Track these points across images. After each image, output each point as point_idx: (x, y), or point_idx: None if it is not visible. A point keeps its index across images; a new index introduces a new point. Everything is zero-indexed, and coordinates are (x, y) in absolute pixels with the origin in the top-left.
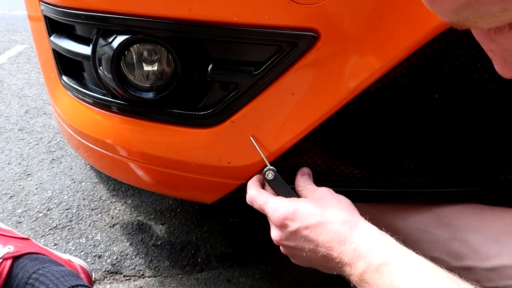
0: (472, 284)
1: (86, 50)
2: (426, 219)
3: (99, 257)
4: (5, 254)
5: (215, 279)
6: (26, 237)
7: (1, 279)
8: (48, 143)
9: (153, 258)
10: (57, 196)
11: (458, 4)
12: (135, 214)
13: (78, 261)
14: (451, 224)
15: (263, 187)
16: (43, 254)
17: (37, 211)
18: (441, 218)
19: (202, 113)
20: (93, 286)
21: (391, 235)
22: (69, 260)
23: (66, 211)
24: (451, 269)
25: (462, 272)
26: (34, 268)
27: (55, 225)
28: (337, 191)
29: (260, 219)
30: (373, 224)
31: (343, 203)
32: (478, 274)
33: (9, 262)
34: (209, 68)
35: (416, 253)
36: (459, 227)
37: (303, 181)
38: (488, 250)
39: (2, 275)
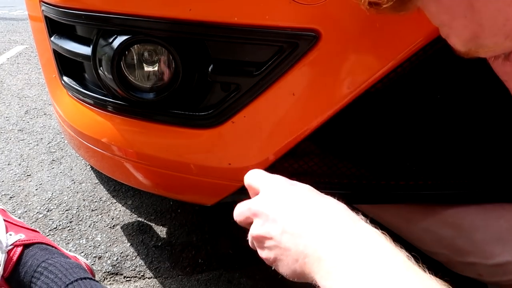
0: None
1: (86, 50)
2: (430, 218)
3: (99, 258)
4: (16, 241)
5: (215, 280)
6: (36, 229)
7: (10, 265)
8: (48, 143)
9: (153, 259)
10: (57, 197)
11: (464, 39)
12: (136, 215)
13: (82, 259)
14: (455, 223)
15: None
16: (52, 246)
17: (37, 212)
18: (446, 218)
19: (202, 113)
20: None
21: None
22: (75, 256)
23: (66, 212)
24: (453, 263)
25: (465, 266)
26: (44, 258)
27: (55, 226)
28: (339, 194)
29: None
30: (375, 224)
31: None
32: (481, 269)
33: (19, 249)
34: (209, 69)
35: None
36: (464, 226)
37: None
38: (492, 249)
39: (12, 262)
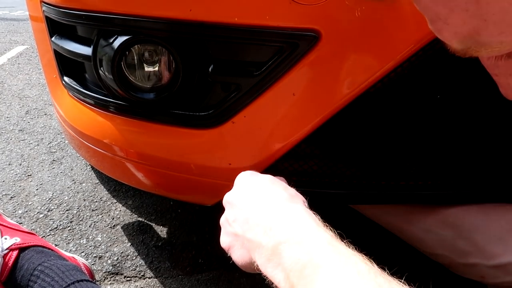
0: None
1: (87, 51)
2: (430, 219)
3: (100, 258)
4: (11, 245)
5: (216, 280)
6: (32, 232)
7: (6, 270)
8: (48, 144)
9: (153, 259)
10: (58, 197)
11: (461, 36)
12: (136, 215)
13: (81, 260)
14: (455, 224)
15: None
16: (49, 248)
17: (38, 212)
18: (446, 218)
19: (203, 114)
20: None
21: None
22: (73, 257)
23: (67, 212)
24: (454, 265)
25: (467, 268)
26: (40, 261)
27: (55, 226)
28: (339, 193)
29: None
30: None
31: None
32: (483, 270)
33: (15, 253)
34: (210, 69)
35: (348, 241)
36: (464, 227)
37: None
38: (493, 249)
39: (8, 266)
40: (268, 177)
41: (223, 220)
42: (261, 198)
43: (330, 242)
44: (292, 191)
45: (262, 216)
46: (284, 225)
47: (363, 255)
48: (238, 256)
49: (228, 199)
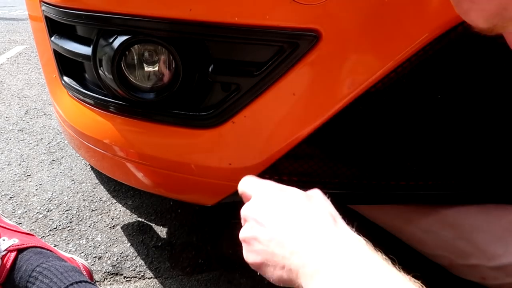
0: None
1: (86, 50)
2: (430, 220)
3: (99, 258)
4: (9, 246)
5: (215, 281)
6: (31, 233)
7: (5, 271)
8: (48, 144)
9: (153, 259)
10: (57, 197)
11: (488, 13)
12: (136, 215)
13: (80, 260)
14: (456, 224)
15: None
16: (47, 249)
17: (37, 212)
18: (446, 219)
19: (203, 114)
20: None
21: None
22: (72, 258)
23: (66, 212)
24: (455, 266)
25: (467, 269)
26: (38, 262)
27: (55, 226)
28: (339, 193)
29: None
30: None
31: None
32: (483, 272)
33: (13, 254)
34: (210, 69)
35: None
36: (464, 227)
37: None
38: (494, 250)
39: (6, 267)
40: (302, 194)
41: (247, 236)
42: (303, 219)
43: (385, 269)
44: (333, 210)
45: (309, 239)
46: (335, 248)
47: (419, 283)
48: (275, 275)
49: (253, 216)
